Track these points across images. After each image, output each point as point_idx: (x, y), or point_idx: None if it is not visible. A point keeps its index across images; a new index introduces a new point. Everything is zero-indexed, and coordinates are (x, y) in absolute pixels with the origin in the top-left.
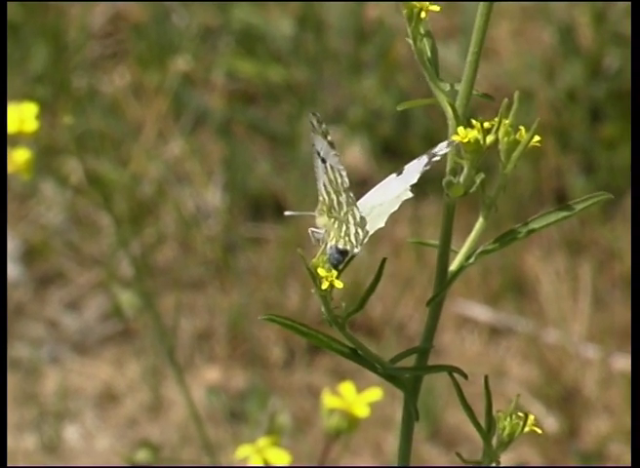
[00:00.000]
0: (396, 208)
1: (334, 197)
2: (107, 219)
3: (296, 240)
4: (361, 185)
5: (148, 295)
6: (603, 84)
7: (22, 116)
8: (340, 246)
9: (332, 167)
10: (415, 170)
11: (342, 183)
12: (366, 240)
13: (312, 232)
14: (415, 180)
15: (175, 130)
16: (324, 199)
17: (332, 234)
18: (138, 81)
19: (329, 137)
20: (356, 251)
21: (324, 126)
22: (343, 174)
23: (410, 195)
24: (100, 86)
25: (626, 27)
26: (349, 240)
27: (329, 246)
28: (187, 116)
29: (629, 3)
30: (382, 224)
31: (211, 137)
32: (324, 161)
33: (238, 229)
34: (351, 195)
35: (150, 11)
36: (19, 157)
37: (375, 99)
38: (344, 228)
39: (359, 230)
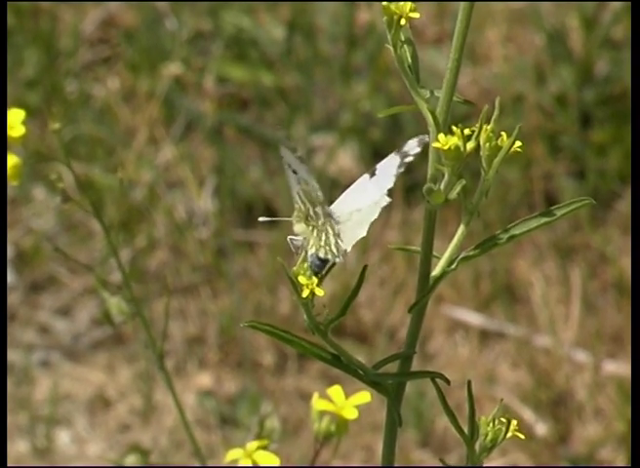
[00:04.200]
0: (376, 216)
1: (309, 207)
2: (99, 225)
3: (287, 245)
4: None
5: (139, 301)
6: (593, 89)
7: (10, 122)
8: (322, 255)
9: (305, 180)
10: (389, 172)
11: (317, 197)
12: (349, 250)
13: (291, 240)
14: (391, 185)
15: (166, 135)
16: (299, 207)
17: (311, 242)
18: (129, 86)
19: (298, 153)
20: (338, 260)
21: (292, 144)
22: (316, 186)
23: (388, 200)
24: (92, 91)
25: (617, 32)
26: (330, 250)
27: (310, 253)
28: (179, 121)
29: (620, 8)
30: (364, 233)
31: (202, 143)
32: (295, 172)
33: (229, 234)
34: (326, 207)
35: (141, 16)
36: (7, 163)
37: (365, 104)
38: (324, 237)
39: (339, 241)
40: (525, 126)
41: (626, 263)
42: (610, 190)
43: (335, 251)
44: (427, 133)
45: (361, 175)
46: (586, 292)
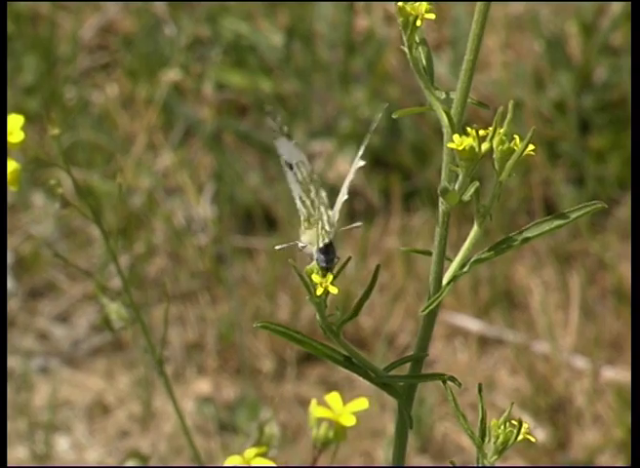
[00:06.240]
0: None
1: (308, 202)
2: (98, 231)
3: (286, 251)
4: (351, 196)
5: (138, 307)
6: (592, 95)
7: (9, 127)
8: (321, 244)
9: (297, 165)
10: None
11: (308, 173)
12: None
13: (302, 248)
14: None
15: (165, 141)
16: (302, 213)
17: (314, 242)
18: (128, 93)
19: (285, 128)
20: (331, 236)
21: (279, 118)
22: (305, 161)
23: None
24: (91, 97)
25: (616, 39)
26: (325, 231)
27: (314, 252)
28: (177, 128)
29: (619, 14)
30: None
31: (201, 149)
32: (291, 167)
33: (228, 241)
34: (316, 177)
35: (140, 23)
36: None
37: (364, 111)
38: (320, 224)
39: (329, 211)
40: (524, 132)
41: (625, 270)
42: (609, 197)
43: (327, 227)
44: (427, 139)
45: (360, 181)
46: (585, 298)
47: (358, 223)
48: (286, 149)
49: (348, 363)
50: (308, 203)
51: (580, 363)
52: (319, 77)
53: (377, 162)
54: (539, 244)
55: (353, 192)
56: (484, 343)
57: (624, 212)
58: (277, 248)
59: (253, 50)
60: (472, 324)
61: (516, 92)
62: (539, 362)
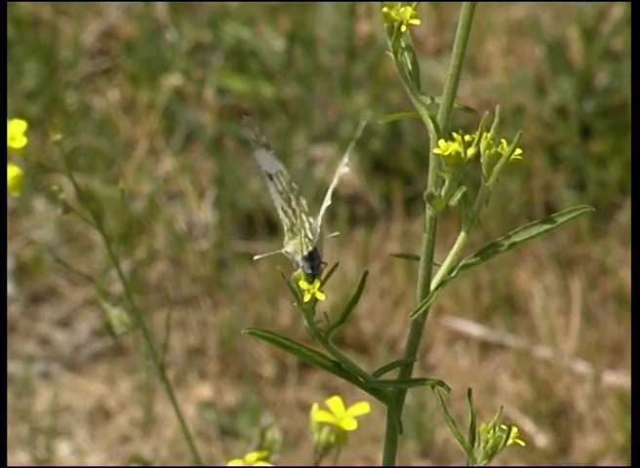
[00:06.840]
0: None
1: (290, 211)
2: (99, 236)
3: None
4: (352, 201)
5: (139, 312)
6: (593, 100)
7: (11, 133)
8: (305, 252)
9: (276, 175)
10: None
11: (287, 182)
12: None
13: (288, 256)
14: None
15: (166, 146)
16: (285, 223)
17: (299, 250)
18: (129, 98)
19: (264, 138)
20: (315, 243)
21: (257, 129)
22: (283, 170)
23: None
24: (92, 103)
25: (617, 44)
26: (308, 239)
27: (299, 260)
28: (179, 133)
29: (620, 19)
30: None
31: (202, 154)
32: (271, 177)
33: (229, 246)
34: (294, 186)
35: (141, 27)
36: (8, 174)
37: (366, 115)
38: (303, 232)
39: (310, 219)
40: (525, 137)
41: (626, 274)
42: (610, 201)
43: (310, 235)
44: (428, 145)
45: (361, 185)
46: (586, 303)
47: (336, 233)
48: (265, 160)
49: (337, 369)
50: (290, 212)
51: (582, 367)
52: (320, 82)
53: (378, 167)
54: (540, 249)
55: (354, 197)
56: (485, 348)
57: (626, 216)
58: (256, 258)
59: (254, 55)
60: (473, 328)
61: (517, 97)
62: (540, 367)
